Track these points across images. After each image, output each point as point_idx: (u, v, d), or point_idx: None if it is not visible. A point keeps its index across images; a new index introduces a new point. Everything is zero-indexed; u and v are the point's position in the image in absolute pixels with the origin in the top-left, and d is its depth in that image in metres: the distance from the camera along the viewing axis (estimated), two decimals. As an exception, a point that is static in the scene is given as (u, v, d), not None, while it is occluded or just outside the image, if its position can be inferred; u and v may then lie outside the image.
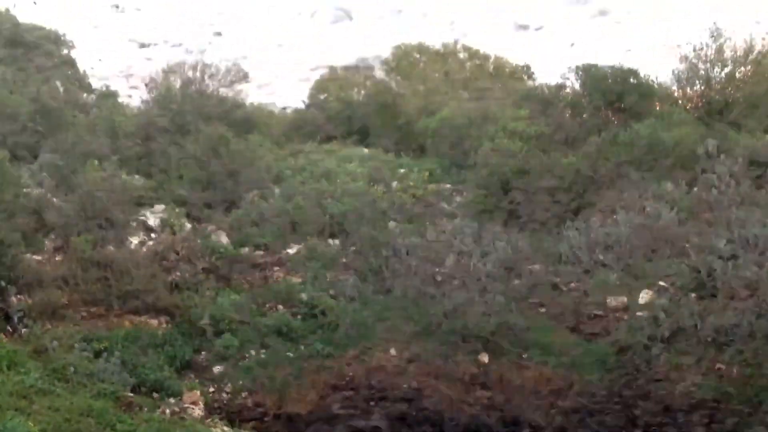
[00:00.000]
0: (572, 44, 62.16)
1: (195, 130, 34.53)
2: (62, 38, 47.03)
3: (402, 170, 38.68)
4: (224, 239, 28.93)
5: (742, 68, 36.58)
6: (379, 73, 53.89)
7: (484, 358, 23.19)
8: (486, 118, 37.66)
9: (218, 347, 23.23)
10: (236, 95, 43.97)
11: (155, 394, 20.23)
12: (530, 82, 50.32)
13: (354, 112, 48.42)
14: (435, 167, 38.90)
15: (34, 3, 49.17)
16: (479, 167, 33.25)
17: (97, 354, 20.38)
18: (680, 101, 37.64)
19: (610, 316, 24.24)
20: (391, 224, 31.50)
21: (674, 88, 38.10)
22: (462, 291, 25.09)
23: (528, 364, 22.88)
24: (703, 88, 36.99)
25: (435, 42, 54.62)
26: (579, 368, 22.35)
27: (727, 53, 36.41)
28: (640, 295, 24.42)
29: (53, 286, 23.62)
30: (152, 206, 30.69)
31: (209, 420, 19.24)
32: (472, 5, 67.21)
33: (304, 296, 25.59)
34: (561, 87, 37.89)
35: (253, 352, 23.44)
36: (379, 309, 25.51)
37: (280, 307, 25.73)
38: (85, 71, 47.28)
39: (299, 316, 24.95)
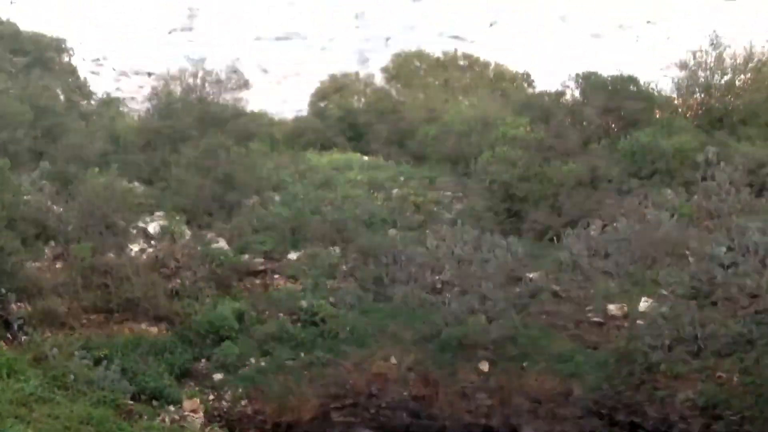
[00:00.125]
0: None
1: (195, 138, 34.54)
2: (63, 46, 47.11)
3: (402, 178, 38.67)
4: (224, 246, 28.91)
5: (742, 76, 36.61)
6: (380, 81, 54.02)
7: (485, 366, 23.18)
8: (486, 125, 37.64)
9: (218, 355, 23.22)
10: (236, 102, 44.01)
11: (155, 402, 20.21)
12: (530, 90, 50.38)
13: (354, 120, 48.47)
14: (435, 175, 38.92)
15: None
16: (479, 175, 33.26)
17: (97, 361, 20.35)
18: (680, 109, 37.65)
19: (611, 324, 24.22)
20: (392, 232, 31.50)
21: (674, 95, 38.14)
22: (462, 299, 25.10)
23: (528, 372, 22.87)
24: (703, 95, 37.01)
25: (435, 49, 54.84)
26: (579, 376, 22.34)
27: (727, 61, 36.44)
28: (641, 302, 24.40)
29: (53, 294, 23.59)
30: (152, 213, 30.65)
31: (209, 428, 19.25)
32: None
33: (304, 304, 25.56)
34: (561, 94, 37.95)
35: (253, 360, 23.42)
36: (379, 317, 25.49)
37: (280, 314, 25.71)
38: (85, 78, 47.39)
39: (299, 324, 24.93)
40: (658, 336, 22.02)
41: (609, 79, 36.36)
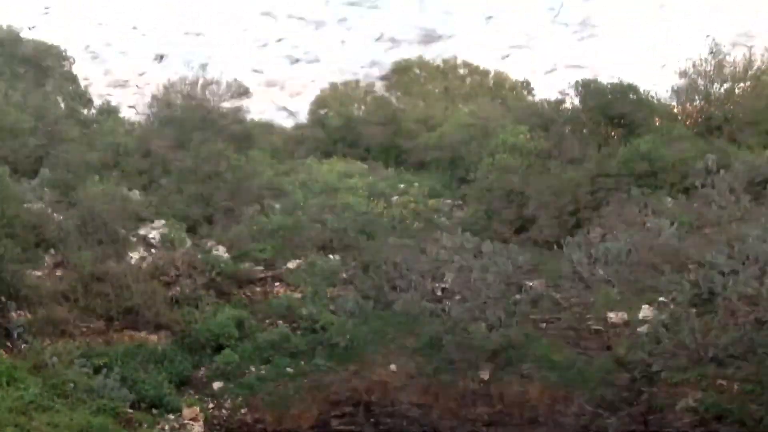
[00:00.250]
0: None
1: (195, 145, 34.55)
2: (63, 54, 47.12)
3: (402, 185, 38.68)
4: (224, 254, 28.91)
5: (742, 84, 36.64)
6: (380, 89, 54.07)
7: (485, 374, 23.15)
8: (486, 133, 37.69)
9: (218, 363, 23.20)
10: (237, 110, 44.02)
11: (154, 410, 20.22)
12: (530, 98, 50.42)
13: (354, 128, 48.50)
14: (435, 182, 38.94)
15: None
16: (479, 183, 33.27)
17: (97, 370, 20.36)
18: (680, 117, 37.67)
19: (611, 332, 24.24)
20: (392, 239, 31.49)
21: (674, 103, 38.18)
22: (462, 306, 25.09)
23: (529, 380, 22.85)
24: (702, 103, 37.05)
25: (435, 57, 54.91)
26: (580, 384, 22.32)
27: (727, 69, 36.49)
28: (641, 310, 24.38)
29: (53, 302, 23.59)
30: (152, 221, 30.64)
31: (209, 436, 19.23)
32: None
33: (304, 312, 25.57)
34: (560, 102, 37.98)
35: (252, 368, 23.41)
36: (379, 324, 25.49)
37: (280, 322, 25.71)
38: (86, 87, 47.36)
39: (299, 332, 24.94)
40: (658, 344, 22.00)
41: (608, 86, 36.38)
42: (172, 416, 20.04)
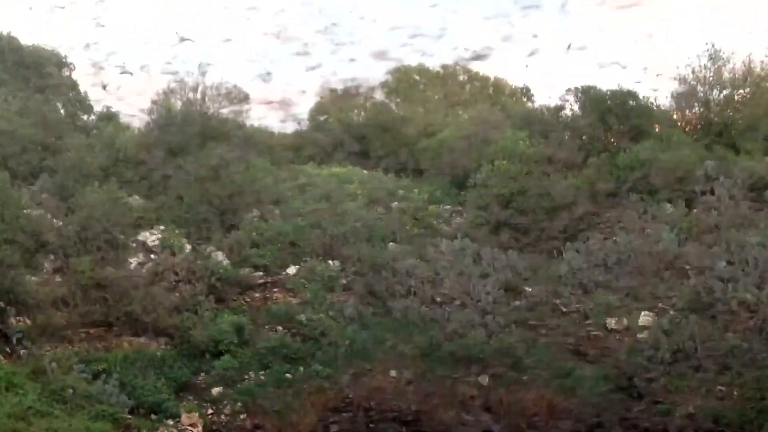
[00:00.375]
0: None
1: (195, 152, 34.55)
2: (64, 60, 47.16)
3: (402, 191, 38.68)
4: (224, 260, 28.90)
5: (741, 90, 36.66)
6: (379, 95, 54.07)
7: (484, 380, 23.13)
8: (485, 139, 37.70)
9: (217, 369, 23.18)
10: (236, 116, 44.01)
11: (153, 416, 20.20)
12: (529, 104, 50.46)
13: (354, 134, 48.51)
14: (435, 188, 38.94)
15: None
16: (479, 188, 33.28)
17: (96, 375, 20.34)
18: (679, 123, 37.68)
19: (611, 338, 24.20)
20: (391, 245, 31.49)
21: (673, 110, 38.17)
22: (462, 312, 25.10)
23: (528, 386, 22.82)
24: (702, 110, 37.06)
25: (434, 63, 54.97)
26: (579, 390, 22.29)
27: (726, 75, 36.52)
28: (640, 316, 24.38)
29: (52, 307, 23.59)
30: (152, 227, 30.66)
31: (207, 442, 19.21)
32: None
33: (303, 317, 25.56)
34: (560, 108, 38.01)
35: (252, 374, 23.39)
36: (378, 330, 25.47)
37: (280, 328, 25.70)
38: (86, 92, 47.37)
39: (298, 337, 24.91)
40: (657, 350, 22.01)
41: (608, 93, 36.41)
42: (171, 422, 20.02)
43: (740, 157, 32.31)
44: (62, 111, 42.74)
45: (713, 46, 36.36)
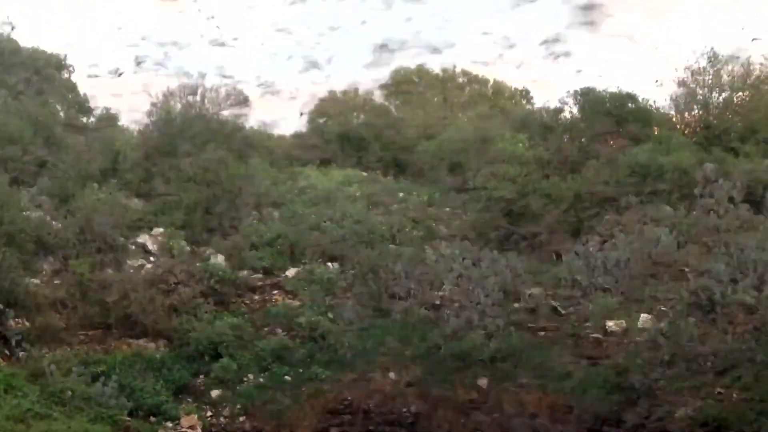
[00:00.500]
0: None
1: (194, 154, 34.57)
2: (63, 62, 47.19)
3: (401, 194, 38.70)
4: (223, 262, 28.89)
5: (740, 93, 36.68)
6: (379, 97, 54.10)
7: (483, 382, 23.12)
8: (485, 142, 37.71)
9: (216, 371, 23.17)
10: (236, 118, 44.05)
11: (152, 419, 20.20)
12: (529, 106, 50.46)
13: (353, 136, 48.52)
14: (434, 191, 38.96)
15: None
16: (478, 191, 33.28)
17: (95, 378, 20.33)
18: (678, 126, 37.71)
19: (610, 340, 24.18)
20: (390, 248, 31.47)
21: (672, 112, 38.20)
22: (461, 315, 25.07)
23: (527, 389, 22.80)
24: (701, 112, 37.08)
25: (434, 66, 54.98)
26: (578, 392, 22.27)
27: (725, 78, 36.55)
28: (639, 318, 24.37)
29: (51, 310, 23.60)
30: (151, 229, 30.68)
31: (206, 444, 19.20)
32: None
33: (302, 320, 25.54)
34: (559, 111, 38.01)
35: (251, 376, 23.38)
36: (378, 333, 25.45)
37: (279, 330, 25.69)
38: (85, 94, 47.40)
39: (298, 340, 24.90)
40: (656, 352, 21.99)
41: (607, 95, 36.44)
42: (170, 424, 20.03)
43: (739, 160, 32.30)
44: (61, 113, 42.78)
45: (712, 48, 36.46)
